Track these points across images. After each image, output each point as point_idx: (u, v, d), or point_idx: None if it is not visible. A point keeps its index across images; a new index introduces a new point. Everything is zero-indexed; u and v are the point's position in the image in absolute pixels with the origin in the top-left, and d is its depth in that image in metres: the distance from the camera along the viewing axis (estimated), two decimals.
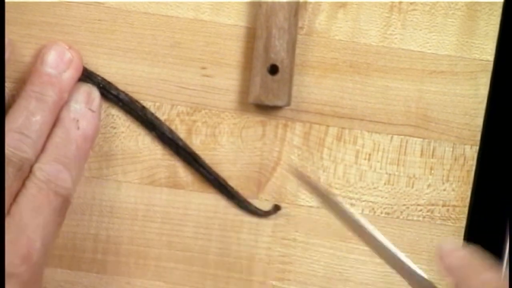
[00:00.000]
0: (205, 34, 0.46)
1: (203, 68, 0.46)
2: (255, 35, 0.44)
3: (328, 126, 0.47)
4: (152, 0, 0.46)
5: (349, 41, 0.46)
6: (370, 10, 0.46)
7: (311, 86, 0.46)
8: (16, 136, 0.40)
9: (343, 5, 0.46)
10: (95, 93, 0.44)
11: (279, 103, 0.44)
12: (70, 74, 0.43)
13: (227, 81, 0.46)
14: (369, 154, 0.47)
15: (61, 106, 0.43)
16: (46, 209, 0.40)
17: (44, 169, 0.40)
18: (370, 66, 0.46)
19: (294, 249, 0.47)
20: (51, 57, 0.43)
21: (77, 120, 0.42)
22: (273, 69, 0.44)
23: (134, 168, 0.46)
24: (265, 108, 0.46)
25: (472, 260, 0.35)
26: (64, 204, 0.41)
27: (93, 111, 0.43)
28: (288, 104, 0.45)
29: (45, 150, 0.41)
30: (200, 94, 0.46)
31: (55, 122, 0.42)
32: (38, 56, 0.43)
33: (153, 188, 0.46)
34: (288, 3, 0.44)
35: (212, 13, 0.46)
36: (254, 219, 0.47)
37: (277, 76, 0.44)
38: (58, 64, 0.43)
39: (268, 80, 0.44)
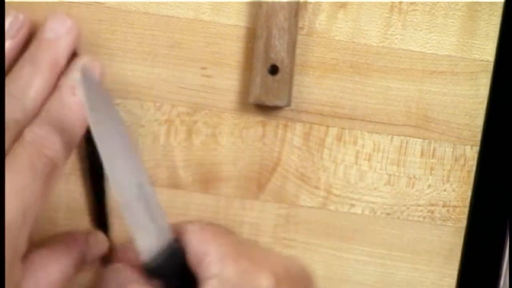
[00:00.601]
0: (206, 35, 0.46)
1: (204, 68, 0.46)
2: (255, 35, 0.44)
3: (328, 126, 0.47)
4: (152, 0, 0.46)
5: (349, 41, 0.46)
6: (370, 11, 0.46)
7: (311, 87, 0.46)
8: (6, 99, 0.39)
9: (343, 5, 0.46)
10: (97, 64, 0.42)
11: (279, 103, 0.44)
12: (68, 40, 0.42)
13: (228, 81, 0.46)
14: (370, 155, 0.47)
15: (58, 73, 0.41)
16: (28, 171, 0.37)
17: (34, 130, 0.39)
18: (370, 66, 0.46)
19: (295, 249, 0.47)
20: (51, 22, 0.42)
21: (75, 88, 0.41)
22: (273, 69, 0.44)
23: None
24: (265, 109, 0.46)
25: None
26: (51, 169, 0.38)
27: None
28: (288, 104, 0.45)
29: (38, 115, 0.40)
30: (200, 95, 0.46)
31: (53, 89, 0.41)
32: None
33: (154, 189, 0.46)
34: (288, 3, 0.44)
35: (212, 13, 0.46)
36: (254, 220, 0.47)
37: (278, 76, 0.44)
38: (58, 29, 0.42)
39: (268, 80, 0.44)
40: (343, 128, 0.47)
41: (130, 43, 0.46)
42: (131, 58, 0.46)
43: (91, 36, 0.45)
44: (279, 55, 0.44)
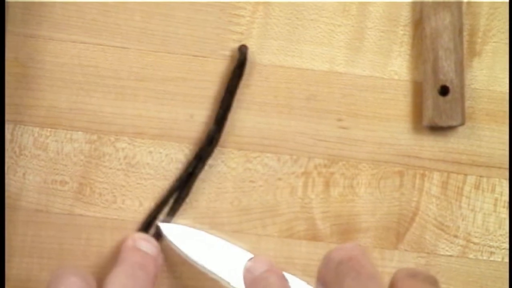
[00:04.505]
0: (341, 86, 0.46)
1: (340, 120, 0.46)
2: (422, 58, 0.45)
3: (466, 175, 0.46)
4: (287, 53, 0.46)
5: (485, 89, 0.46)
6: (504, 58, 0.46)
7: (448, 136, 0.46)
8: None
9: (478, 53, 0.46)
10: None
11: (453, 123, 0.44)
12: (160, 261, 0.44)
13: (364, 132, 0.46)
14: (508, 202, 0.47)
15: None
16: None
17: None
18: (506, 114, 0.46)
19: None
20: (143, 241, 0.44)
21: None
22: (444, 90, 0.45)
23: (273, 222, 0.46)
24: (402, 158, 0.46)
25: None
26: None
27: None
28: (463, 123, 0.45)
29: None
30: (337, 146, 0.46)
31: None
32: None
33: (292, 241, 0.46)
34: (451, 23, 0.45)
35: (347, 65, 0.46)
36: (393, 269, 0.46)
37: (448, 97, 0.44)
38: (149, 247, 0.43)
39: (440, 102, 0.44)
40: (481, 176, 0.46)
41: (266, 97, 0.46)
42: (267, 112, 0.46)
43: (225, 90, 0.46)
44: (448, 75, 0.44)
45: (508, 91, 0.47)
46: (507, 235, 0.47)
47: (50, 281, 0.37)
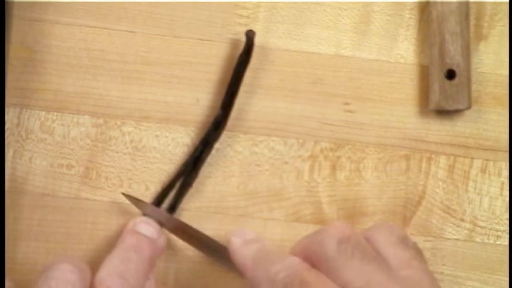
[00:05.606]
0: (347, 70, 0.46)
1: (346, 103, 0.46)
2: (429, 42, 0.45)
3: (472, 158, 0.46)
4: (293, 37, 0.46)
5: (491, 73, 0.46)
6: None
7: (455, 119, 0.46)
8: (117, 280, 0.38)
9: (485, 37, 0.46)
10: None
11: (459, 107, 0.44)
12: (162, 243, 0.43)
13: (370, 115, 0.46)
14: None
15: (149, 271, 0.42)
16: None
17: None
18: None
19: (442, 282, 0.47)
20: (143, 223, 0.43)
21: None
22: (450, 74, 0.45)
23: (279, 205, 0.46)
24: (408, 142, 0.46)
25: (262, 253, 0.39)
26: None
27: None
28: (469, 107, 0.45)
29: None
30: (343, 130, 0.46)
31: None
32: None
33: (299, 225, 0.46)
34: (458, 7, 0.44)
35: (353, 49, 0.46)
36: None
37: (455, 81, 0.44)
38: (150, 230, 0.43)
39: (446, 85, 0.44)
40: (487, 160, 0.46)
41: (272, 81, 0.46)
42: (273, 95, 0.46)
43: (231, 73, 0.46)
44: (455, 59, 0.44)
45: (508, 73, 0.47)
46: None
47: (43, 269, 0.37)
